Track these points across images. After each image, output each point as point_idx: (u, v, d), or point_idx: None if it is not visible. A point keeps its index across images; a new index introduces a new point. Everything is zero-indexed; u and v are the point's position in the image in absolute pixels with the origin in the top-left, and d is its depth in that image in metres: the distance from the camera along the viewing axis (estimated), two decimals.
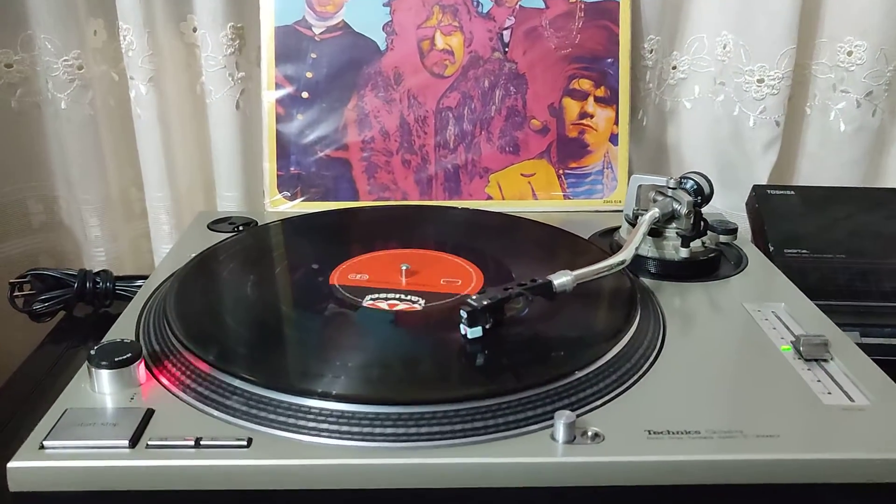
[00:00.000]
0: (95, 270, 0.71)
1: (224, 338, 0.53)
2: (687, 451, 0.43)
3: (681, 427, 0.44)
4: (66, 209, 0.89)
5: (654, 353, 0.53)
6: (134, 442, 0.43)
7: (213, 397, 0.46)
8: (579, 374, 0.48)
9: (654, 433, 0.44)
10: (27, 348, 0.66)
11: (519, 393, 0.46)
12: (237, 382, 0.47)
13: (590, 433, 0.44)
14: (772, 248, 0.74)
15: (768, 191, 0.81)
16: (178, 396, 0.47)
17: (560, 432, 0.43)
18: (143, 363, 0.49)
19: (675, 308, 0.60)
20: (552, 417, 0.44)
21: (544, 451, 0.42)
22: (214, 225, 0.76)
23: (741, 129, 0.86)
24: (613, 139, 0.83)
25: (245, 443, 0.43)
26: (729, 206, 0.87)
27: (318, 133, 0.81)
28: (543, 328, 0.54)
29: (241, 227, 0.74)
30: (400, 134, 0.81)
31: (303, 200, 0.81)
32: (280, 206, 0.80)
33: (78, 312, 0.71)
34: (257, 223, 0.76)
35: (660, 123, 0.91)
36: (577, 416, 0.44)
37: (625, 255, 0.58)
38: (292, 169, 0.81)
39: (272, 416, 0.44)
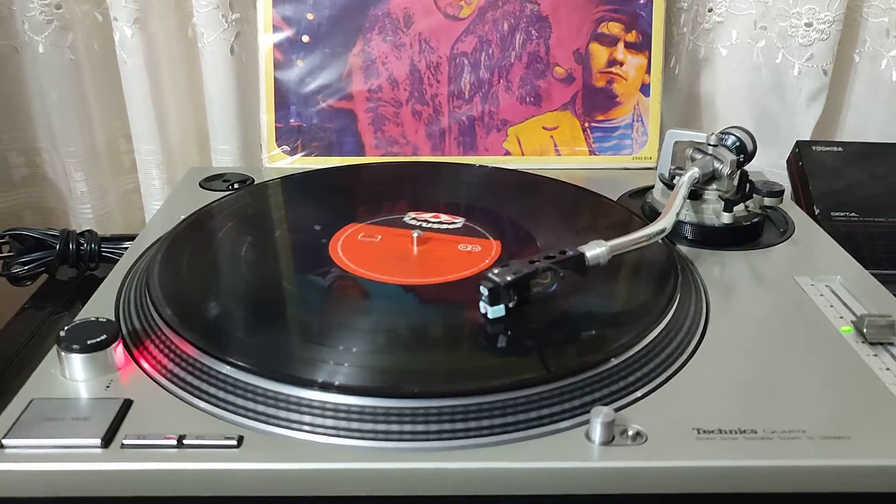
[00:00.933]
0: (82, 229, 0.67)
1: (213, 315, 0.47)
2: (744, 455, 0.37)
3: (734, 425, 0.39)
4: (49, 162, 0.83)
5: (698, 336, 0.47)
6: (107, 441, 0.37)
7: (200, 386, 0.41)
8: (615, 361, 0.42)
9: (704, 432, 0.39)
10: (8, 313, 0.62)
11: (549, 384, 0.40)
12: (227, 369, 0.41)
13: (630, 432, 0.39)
14: (817, 212, 0.68)
15: (813, 147, 0.74)
16: (159, 384, 0.42)
17: (597, 431, 0.38)
18: (120, 345, 0.43)
19: (717, 281, 0.54)
20: (585, 412, 0.39)
21: (579, 453, 0.37)
22: (207, 182, 0.70)
23: (784, 79, 0.79)
24: (645, 89, 0.76)
25: (235, 442, 0.38)
26: (766, 163, 0.81)
27: (320, 81, 0.75)
28: (573, 307, 0.49)
29: (235, 186, 0.69)
30: (410, 82, 0.76)
31: (303, 155, 0.76)
32: (278, 161, 0.75)
33: (62, 275, 0.67)
34: (254, 181, 0.71)
35: (692, 73, 0.84)
36: (616, 411, 0.39)
37: (665, 222, 0.52)
38: (292, 121, 0.75)
39: (267, 410, 0.39)
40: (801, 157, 0.73)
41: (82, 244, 0.67)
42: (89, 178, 0.81)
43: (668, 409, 0.40)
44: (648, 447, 0.38)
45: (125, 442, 0.37)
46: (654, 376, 0.43)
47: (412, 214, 0.60)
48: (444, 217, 0.60)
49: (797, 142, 0.75)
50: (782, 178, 0.75)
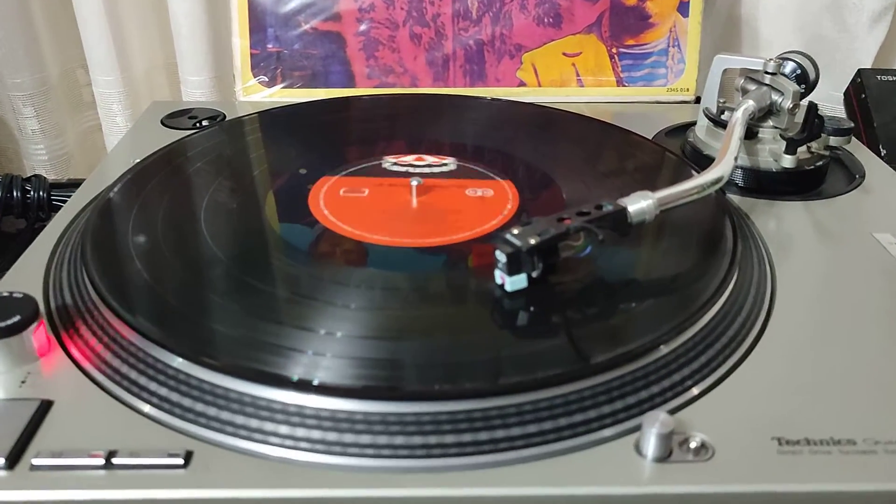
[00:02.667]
0: (35, 172, 0.64)
1: (163, 290, 0.38)
2: (842, 475, 0.30)
3: (825, 433, 0.31)
4: None
5: (765, 312, 0.39)
6: (12, 460, 0.29)
7: (141, 382, 0.33)
8: (665, 350, 0.34)
9: (787, 443, 0.31)
10: None
11: (585, 380, 0.32)
12: (177, 361, 0.33)
13: (693, 444, 0.31)
14: (884, 152, 0.61)
15: (878, 76, 0.66)
16: (92, 379, 0.34)
17: (651, 445, 0.30)
18: (42, 327, 0.35)
19: (780, 239, 0.46)
20: (631, 417, 0.32)
21: (626, 473, 0.30)
22: (170, 119, 0.62)
23: None
24: (682, 8, 0.68)
25: (181, 460, 0.29)
26: (817, 97, 0.71)
27: None
28: (612, 277, 0.40)
29: (203, 123, 0.61)
30: (408, 0, 0.68)
31: (283, 87, 0.69)
32: (255, 94, 0.68)
33: (7, 227, 0.62)
34: (225, 117, 0.62)
35: None
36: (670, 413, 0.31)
37: (721, 169, 0.43)
38: (270, 46, 0.68)
39: (222, 415, 0.31)
40: (864, 88, 0.65)
41: (29, 191, 0.61)
42: (41, 114, 0.74)
43: (736, 411, 0.33)
44: (716, 464, 0.30)
45: (35, 462, 0.29)
46: (716, 366, 0.35)
47: (391, 159, 0.52)
48: (430, 159, 0.52)
49: (859, 70, 0.66)
50: (838, 114, 0.66)
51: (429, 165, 0.51)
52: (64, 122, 0.77)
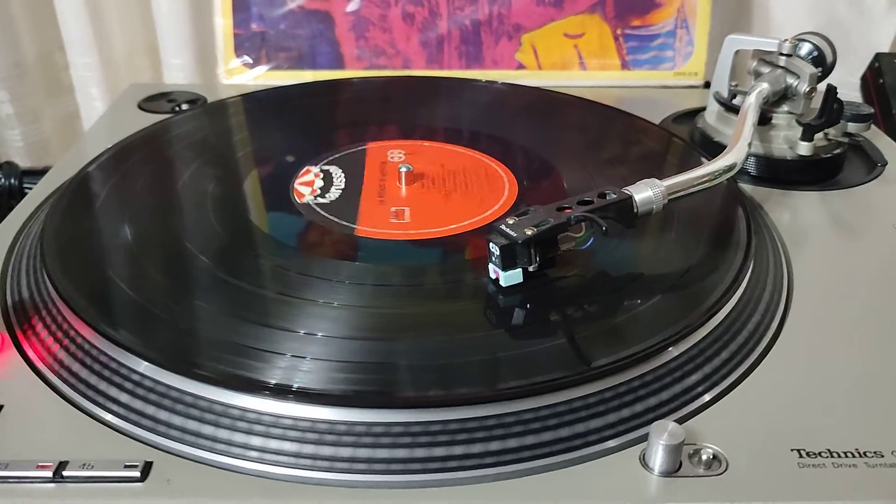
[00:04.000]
0: (10, 158, 0.61)
1: (127, 287, 0.35)
2: (870, 492, 0.28)
3: (849, 444, 0.29)
4: None
5: (781, 312, 0.36)
6: None
7: (98, 386, 0.30)
8: (675, 353, 0.32)
9: (808, 455, 0.29)
10: None
11: (587, 385, 0.30)
12: (140, 364, 0.30)
13: (704, 456, 0.29)
14: None
15: None
16: (46, 381, 0.31)
17: (658, 457, 0.28)
18: None
19: (796, 232, 0.43)
20: (637, 427, 0.30)
21: (632, 487, 0.28)
22: (148, 103, 0.60)
23: None
24: None
25: (138, 473, 0.27)
26: (833, 81, 0.69)
27: None
28: (616, 272, 0.37)
29: (182, 106, 0.59)
30: None
31: (269, 69, 0.66)
32: (238, 75, 0.66)
33: None
34: (206, 100, 0.60)
35: None
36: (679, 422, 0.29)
37: (734, 156, 0.40)
38: (254, 26, 0.66)
39: (189, 425, 0.29)
40: (882, 73, 0.62)
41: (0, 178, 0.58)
42: (16, 98, 0.72)
43: (751, 420, 0.31)
44: (730, 479, 0.28)
45: None
46: (729, 371, 0.33)
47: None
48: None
49: (877, 54, 0.64)
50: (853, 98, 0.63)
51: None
52: (40, 106, 0.74)
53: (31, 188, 0.58)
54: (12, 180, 0.57)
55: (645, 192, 0.36)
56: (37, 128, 0.74)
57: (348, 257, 0.38)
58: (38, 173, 0.59)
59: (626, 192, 0.36)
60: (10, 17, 0.69)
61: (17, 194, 0.57)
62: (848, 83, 0.67)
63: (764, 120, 0.49)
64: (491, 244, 0.34)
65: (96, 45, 0.69)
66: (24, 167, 0.59)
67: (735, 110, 0.50)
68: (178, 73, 0.71)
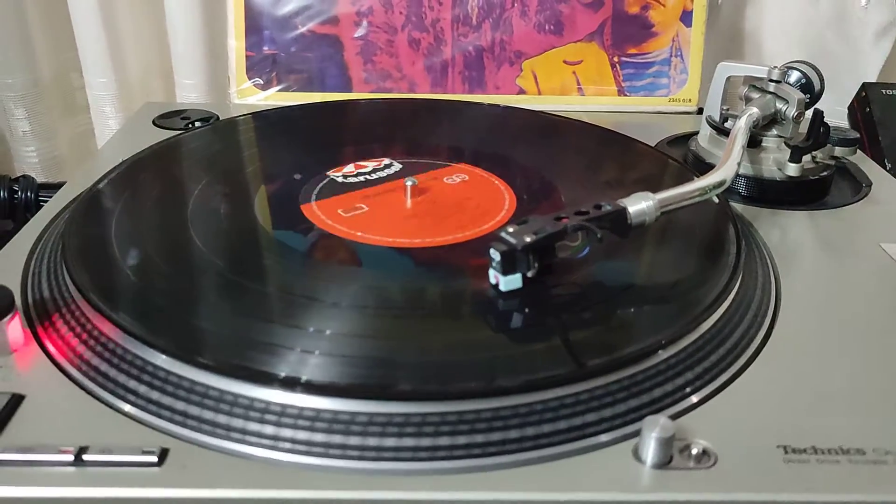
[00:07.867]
0: (19, 175, 0.61)
1: (143, 285, 0.37)
2: (852, 487, 0.28)
3: (833, 442, 0.30)
4: None
5: (769, 318, 0.38)
6: None
7: (116, 378, 0.31)
8: (664, 355, 0.33)
9: (794, 451, 0.30)
10: None
11: (581, 383, 0.31)
12: (159, 358, 0.31)
13: (694, 450, 0.30)
14: (888, 166, 0.60)
15: (883, 90, 0.65)
16: (66, 374, 0.32)
17: (650, 450, 0.29)
18: (16, 319, 0.34)
19: (783, 248, 0.44)
20: (630, 422, 0.30)
21: (624, 479, 0.28)
22: (163, 120, 0.61)
23: (847, 10, 0.70)
24: (686, 18, 0.67)
25: (155, 458, 0.28)
26: (822, 108, 0.70)
27: (300, 1, 0.67)
28: (610, 279, 0.39)
29: (195, 124, 0.61)
30: (407, 4, 0.67)
31: (279, 90, 0.67)
32: (249, 96, 0.67)
33: None
34: (218, 118, 0.62)
35: (737, 3, 0.75)
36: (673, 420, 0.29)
37: (724, 173, 0.42)
38: (266, 49, 0.67)
39: (204, 414, 0.30)
40: (869, 102, 0.64)
41: (17, 191, 0.60)
42: (33, 115, 0.72)
43: (740, 418, 0.31)
44: (719, 472, 0.29)
45: (1, 457, 0.28)
46: (719, 372, 0.34)
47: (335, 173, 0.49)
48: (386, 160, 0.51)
49: (864, 84, 0.66)
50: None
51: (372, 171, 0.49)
52: (56, 124, 0.75)
53: (46, 201, 0.61)
54: (29, 193, 0.60)
55: (638, 205, 0.37)
56: (52, 145, 0.74)
57: (354, 263, 0.40)
58: (52, 186, 0.61)
59: (621, 203, 0.37)
60: (28, 39, 0.70)
61: (34, 207, 0.59)
62: (836, 112, 0.68)
63: (754, 143, 0.51)
64: (492, 250, 0.35)
65: (112, 66, 0.70)
66: (40, 181, 0.60)
67: (726, 133, 0.51)
68: (190, 94, 0.72)
